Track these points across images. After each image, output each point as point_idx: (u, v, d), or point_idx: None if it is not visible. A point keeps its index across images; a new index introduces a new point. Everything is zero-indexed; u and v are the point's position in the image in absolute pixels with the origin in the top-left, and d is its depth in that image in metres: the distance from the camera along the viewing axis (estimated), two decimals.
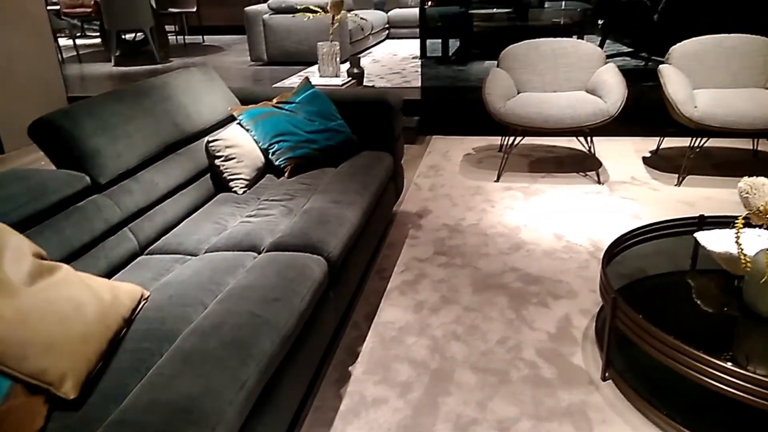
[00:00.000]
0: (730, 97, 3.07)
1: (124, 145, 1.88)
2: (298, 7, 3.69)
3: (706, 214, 2.09)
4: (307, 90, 2.58)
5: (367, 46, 6.93)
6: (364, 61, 6.14)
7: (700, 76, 3.30)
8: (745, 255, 1.46)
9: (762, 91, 3.16)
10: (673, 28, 4.57)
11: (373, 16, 7.17)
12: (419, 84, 4.78)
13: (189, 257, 1.77)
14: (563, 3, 5.94)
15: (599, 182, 3.27)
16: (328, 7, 3.24)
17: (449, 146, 4.04)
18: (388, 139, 2.64)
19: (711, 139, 3.29)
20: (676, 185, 3.19)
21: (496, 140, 3.98)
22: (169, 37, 7.83)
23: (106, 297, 1.33)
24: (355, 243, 1.99)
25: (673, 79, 3.16)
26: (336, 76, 3.24)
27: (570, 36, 5.80)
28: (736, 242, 1.47)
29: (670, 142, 3.69)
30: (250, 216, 2.00)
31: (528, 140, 3.88)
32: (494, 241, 2.64)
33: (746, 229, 1.64)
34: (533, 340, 1.94)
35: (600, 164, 3.53)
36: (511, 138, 3.47)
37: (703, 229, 1.98)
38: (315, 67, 3.94)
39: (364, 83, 4.66)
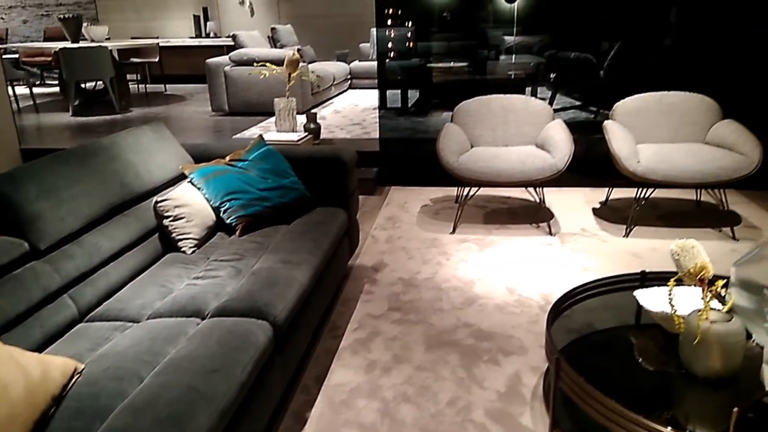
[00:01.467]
0: (671, 152, 3.22)
1: (68, 208, 1.85)
2: (255, 63, 3.74)
3: (647, 270, 2.15)
4: (261, 147, 2.59)
5: (330, 96, 7.05)
6: (326, 111, 6.24)
7: (643, 132, 3.45)
8: (678, 316, 1.51)
9: (702, 146, 3.32)
10: (617, 84, 4.81)
11: (336, 68, 7.33)
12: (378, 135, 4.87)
13: (130, 324, 1.72)
14: (514, 57, 6.18)
15: (551, 234, 3.35)
16: (284, 65, 3.30)
17: (407, 197, 4.09)
18: (343, 195, 2.66)
19: (657, 190, 3.42)
20: (624, 236, 3.29)
21: (453, 191, 4.05)
22: (131, 86, 7.82)
23: (35, 374, 1.28)
24: (304, 304, 1.97)
25: (617, 135, 3.30)
26: (293, 131, 3.28)
27: (525, 88, 6.07)
28: (670, 303, 1.52)
29: (618, 193, 3.81)
30: (197, 278, 1.97)
31: (483, 191, 3.96)
32: (448, 296, 2.65)
33: (682, 287, 1.69)
34: (483, 400, 1.93)
35: (552, 215, 3.62)
36: (467, 189, 3.54)
37: (645, 285, 2.04)
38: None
39: (324, 135, 4.72)
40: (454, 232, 3.42)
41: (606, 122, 3.46)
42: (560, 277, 2.81)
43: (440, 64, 6.36)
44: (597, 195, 3.94)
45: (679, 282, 1.60)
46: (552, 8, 5.99)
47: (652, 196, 3.48)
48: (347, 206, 2.65)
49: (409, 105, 6.10)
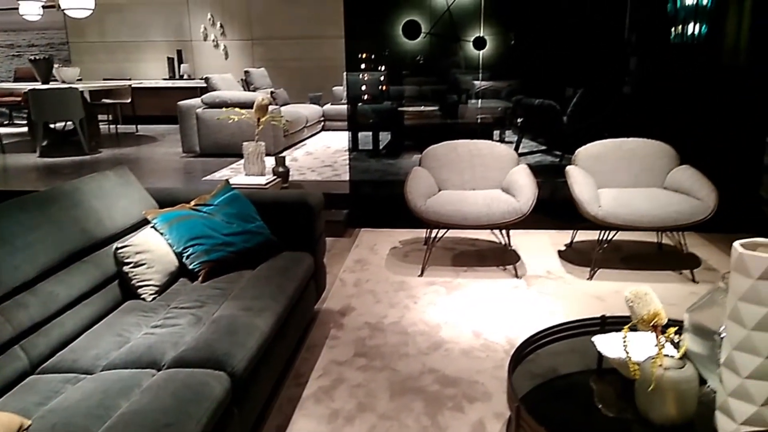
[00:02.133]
0: (631, 197, 3.31)
1: (23, 257, 1.81)
2: (226, 108, 3.77)
3: (610, 313, 2.18)
4: (227, 192, 2.59)
5: (302, 138, 7.11)
6: (299, 152, 6.28)
7: (604, 176, 3.55)
8: (633, 362, 1.53)
9: (660, 191, 3.43)
10: (580, 130, 4.97)
11: (309, 110, 7.42)
12: (349, 177, 4.90)
13: (84, 376, 1.67)
14: (480, 102, 6.35)
15: (517, 276, 3.38)
16: (254, 110, 3.33)
17: (377, 239, 4.10)
18: (309, 239, 2.66)
19: (619, 232, 3.50)
20: (588, 279, 3.34)
21: (423, 233, 4.07)
22: (102, 126, 7.78)
23: None
24: (266, 352, 1.94)
25: (579, 180, 3.39)
26: (261, 175, 3.29)
27: (493, 132, 6.22)
28: (624, 350, 1.54)
29: (582, 236, 3.89)
30: (156, 326, 1.93)
31: (452, 233, 3.99)
32: (414, 340, 2.64)
33: (640, 333, 1.72)
34: None
35: (518, 258, 3.66)
36: (435, 231, 3.57)
37: (605, 330, 2.07)
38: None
39: (295, 177, 4.74)
40: (422, 274, 3.43)
41: (568, 167, 3.55)
42: (526, 321, 2.82)
43: (411, 108, 6.49)
44: (562, 237, 4.01)
45: (635, 328, 1.63)
46: (518, 56, 6.20)
47: (615, 238, 3.56)
48: (314, 250, 2.64)
49: (381, 147, 6.19)
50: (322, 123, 7.98)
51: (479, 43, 6.21)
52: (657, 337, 1.54)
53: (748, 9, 4.05)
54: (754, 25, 4.03)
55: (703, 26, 4.22)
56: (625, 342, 1.54)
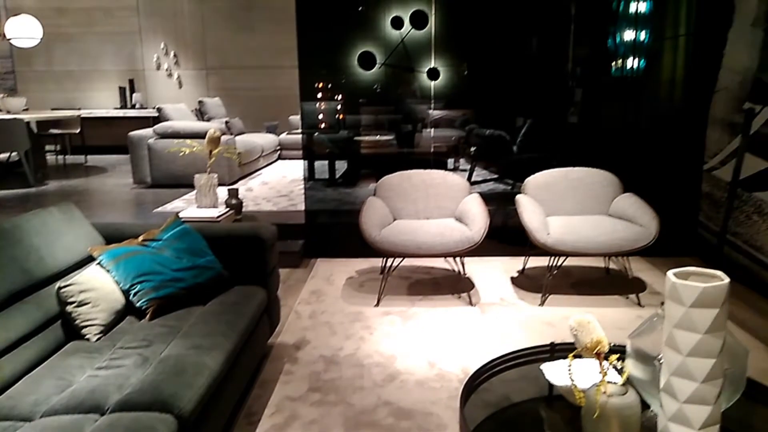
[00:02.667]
0: (578, 224, 3.42)
1: None
2: (178, 139, 3.73)
3: (559, 340, 2.23)
4: (176, 226, 2.55)
5: (258, 167, 7.07)
6: (254, 182, 6.24)
7: (552, 205, 3.67)
8: (578, 390, 1.57)
9: (605, 218, 3.55)
10: (529, 159, 5.13)
11: (264, 140, 7.41)
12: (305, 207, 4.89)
13: (22, 423, 1.59)
14: (433, 131, 6.48)
15: (471, 304, 3.43)
16: (205, 143, 3.31)
17: (333, 269, 4.09)
18: (262, 272, 2.63)
19: (569, 258, 3.60)
20: (539, 305, 3.41)
21: (379, 262, 4.08)
22: (49, 157, 7.55)
23: None
24: (216, 391, 1.89)
25: (528, 209, 3.48)
26: (213, 207, 3.26)
27: (448, 160, 6.34)
28: (570, 378, 1.58)
29: (534, 261, 3.98)
30: (100, 368, 1.86)
31: (408, 261, 4.02)
32: (370, 372, 2.63)
33: (586, 360, 1.76)
34: None
35: (473, 285, 3.71)
36: (391, 260, 3.59)
37: (554, 357, 2.11)
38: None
39: (250, 207, 4.69)
40: (378, 304, 3.43)
41: (518, 196, 3.65)
42: (480, 348, 2.85)
43: (368, 137, 6.56)
44: (515, 263, 4.09)
45: (580, 356, 1.67)
46: (471, 86, 6.38)
47: (564, 264, 3.65)
48: (267, 283, 2.62)
49: (337, 176, 6.21)
50: (279, 152, 7.97)
51: (433, 74, 6.35)
52: (600, 364, 1.58)
53: (682, 46, 4.31)
54: (689, 61, 4.29)
55: (642, 61, 4.45)
56: (570, 370, 1.58)
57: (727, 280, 1.40)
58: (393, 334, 3.04)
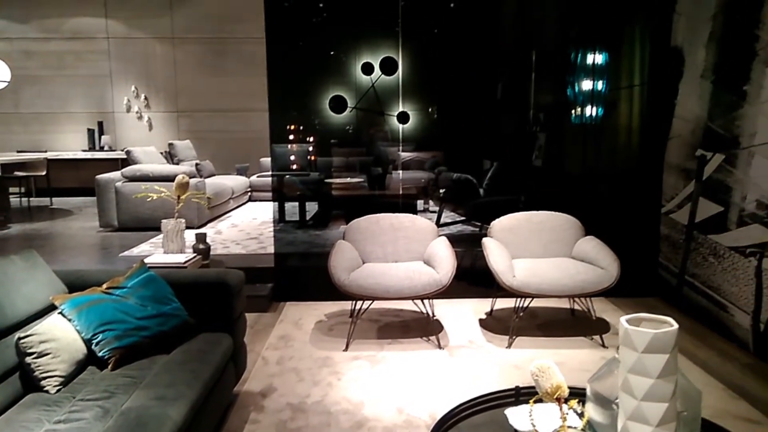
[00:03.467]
0: (542, 267, 3.50)
1: None
2: (144, 187, 3.73)
3: (525, 384, 2.26)
4: (141, 273, 2.53)
5: (228, 210, 7.05)
6: (224, 225, 6.21)
7: (517, 247, 3.75)
8: None
9: (568, 261, 3.64)
10: (495, 202, 5.25)
11: (234, 182, 7.41)
12: (275, 250, 4.89)
13: None
14: (402, 173, 6.60)
15: (440, 347, 3.44)
16: (174, 188, 3.32)
17: (302, 313, 4.07)
18: (228, 319, 2.61)
19: (535, 300, 3.66)
20: (507, 347, 3.45)
21: (348, 305, 4.08)
22: (14, 200, 7.40)
23: None
24: None
25: (494, 251, 3.56)
26: (180, 252, 3.23)
27: (417, 202, 6.43)
28: (531, 422, 1.61)
29: (502, 303, 4.03)
30: (59, 421, 1.82)
31: (378, 304, 4.03)
32: (337, 420, 2.61)
33: (545, 405, 1.80)
34: None
35: (441, 328, 3.74)
36: (361, 303, 3.59)
37: (519, 401, 2.14)
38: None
39: (219, 251, 4.67)
40: (347, 349, 3.42)
41: (484, 239, 3.73)
42: (448, 393, 2.86)
43: (339, 179, 6.63)
44: (484, 305, 4.14)
45: (542, 400, 1.71)
46: (440, 129, 6.55)
47: (531, 305, 3.72)
48: (233, 330, 2.60)
49: (308, 218, 6.24)
50: (249, 194, 7.97)
51: (402, 118, 6.51)
52: (560, 409, 1.62)
53: (637, 95, 4.53)
54: (644, 110, 4.51)
55: (600, 109, 4.66)
56: (531, 416, 1.61)
57: (675, 326, 1.46)
58: (361, 379, 3.03)
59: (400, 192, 6.43)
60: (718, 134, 3.66)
